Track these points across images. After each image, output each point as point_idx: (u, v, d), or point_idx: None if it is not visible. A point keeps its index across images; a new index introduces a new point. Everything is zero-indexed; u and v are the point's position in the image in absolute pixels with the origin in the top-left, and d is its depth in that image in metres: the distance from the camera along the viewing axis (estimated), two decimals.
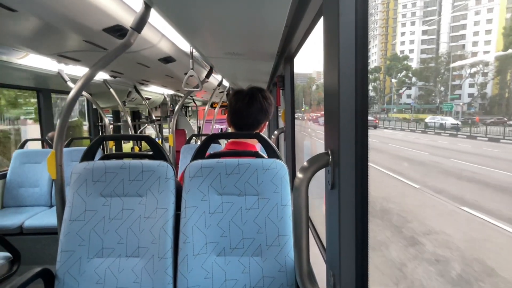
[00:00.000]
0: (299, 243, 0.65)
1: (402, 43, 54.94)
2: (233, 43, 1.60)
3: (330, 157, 0.63)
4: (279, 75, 2.20)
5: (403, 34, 55.48)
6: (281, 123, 2.22)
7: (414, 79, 45.89)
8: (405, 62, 47.06)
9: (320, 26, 0.80)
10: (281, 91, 2.17)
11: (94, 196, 1.18)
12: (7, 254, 1.62)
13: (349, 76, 0.58)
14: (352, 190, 0.59)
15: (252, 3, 0.98)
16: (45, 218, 2.38)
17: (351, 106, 0.58)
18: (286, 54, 1.71)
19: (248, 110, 1.29)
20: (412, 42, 54.12)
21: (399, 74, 45.30)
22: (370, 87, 52.38)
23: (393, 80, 46.83)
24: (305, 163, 0.64)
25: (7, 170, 2.78)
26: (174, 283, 1.09)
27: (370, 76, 52.52)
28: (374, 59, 60.75)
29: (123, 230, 1.15)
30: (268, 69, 2.52)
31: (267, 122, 1.38)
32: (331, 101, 0.63)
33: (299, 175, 0.63)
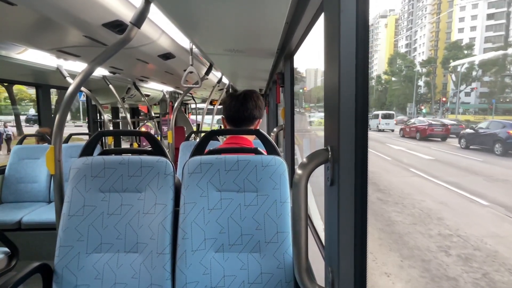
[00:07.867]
0: (298, 240, 0.65)
1: (460, 30, 45.43)
2: (233, 40, 1.60)
3: (330, 153, 0.63)
4: (279, 72, 2.19)
5: (461, 19, 45.49)
6: (281, 121, 2.22)
7: (480, 72, 36.37)
8: (468, 52, 38.37)
9: (320, 22, 0.80)
10: (281, 88, 2.17)
11: (92, 192, 1.17)
12: (6, 249, 1.62)
13: (349, 73, 0.57)
14: (351, 187, 0.59)
15: None
16: (44, 213, 2.38)
17: (351, 102, 0.58)
18: (286, 52, 1.71)
19: (243, 106, 1.38)
20: (473, 28, 43.97)
21: (460, 67, 36.71)
22: (422, 83, 45.81)
23: (452, 73, 38.65)
24: (305, 159, 0.64)
25: (5, 165, 2.77)
26: (172, 279, 1.10)
27: (423, 70, 46.26)
28: (422, 51, 53.08)
29: (122, 226, 1.15)
30: (268, 67, 2.51)
31: (260, 120, 1.46)
32: (331, 97, 0.63)
33: (298, 171, 0.63)
